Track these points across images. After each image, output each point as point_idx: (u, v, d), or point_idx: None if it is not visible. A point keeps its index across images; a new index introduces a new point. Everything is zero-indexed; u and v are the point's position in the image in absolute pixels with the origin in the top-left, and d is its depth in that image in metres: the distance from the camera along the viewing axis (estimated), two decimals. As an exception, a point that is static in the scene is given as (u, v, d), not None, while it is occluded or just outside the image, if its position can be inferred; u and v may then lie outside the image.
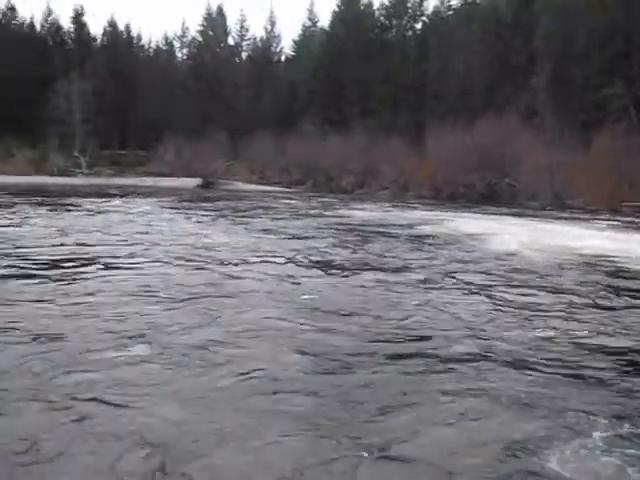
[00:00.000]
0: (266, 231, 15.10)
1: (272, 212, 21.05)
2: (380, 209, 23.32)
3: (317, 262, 10.57)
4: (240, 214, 20.04)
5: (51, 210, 19.72)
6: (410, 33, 50.84)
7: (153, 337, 5.83)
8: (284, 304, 7.28)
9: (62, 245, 11.72)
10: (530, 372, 5.11)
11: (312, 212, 21.61)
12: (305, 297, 7.71)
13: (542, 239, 14.13)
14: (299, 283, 8.64)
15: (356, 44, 48.58)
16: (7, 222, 15.83)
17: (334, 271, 9.72)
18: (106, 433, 3.84)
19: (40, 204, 22.03)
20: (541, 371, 5.13)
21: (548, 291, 8.47)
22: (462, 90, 40.88)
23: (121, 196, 27.23)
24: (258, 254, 11.19)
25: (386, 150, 33.98)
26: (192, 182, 36.60)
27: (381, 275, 9.41)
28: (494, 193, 28.90)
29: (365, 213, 21.55)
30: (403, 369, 5.15)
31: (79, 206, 21.60)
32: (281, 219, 18.57)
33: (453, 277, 9.39)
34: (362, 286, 8.55)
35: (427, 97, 43.89)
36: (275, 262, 10.40)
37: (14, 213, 18.20)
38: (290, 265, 10.16)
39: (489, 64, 40.32)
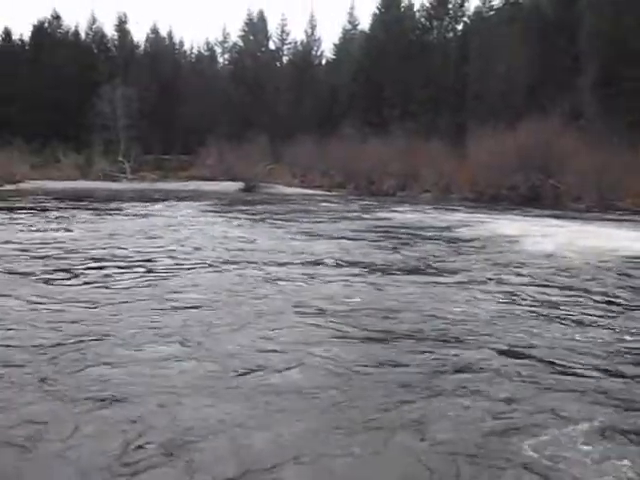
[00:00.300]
0: (307, 234, 15.15)
1: (313, 215, 21.08)
2: (420, 212, 23.17)
3: (357, 264, 10.60)
4: (281, 217, 20.11)
5: (97, 215, 20.07)
6: (451, 34, 50.54)
7: (188, 337, 5.97)
8: (325, 306, 7.33)
9: (108, 248, 11.93)
10: (567, 375, 5.07)
11: (352, 215, 21.62)
12: (347, 299, 7.76)
13: (583, 241, 13.92)
14: (340, 285, 8.72)
15: (396, 46, 48.45)
16: (56, 226, 16.18)
17: (372, 273, 9.77)
18: (120, 421, 4.07)
19: (86, 209, 22.51)
20: (582, 376, 5.08)
21: (584, 293, 8.40)
22: (504, 91, 40.45)
23: (164, 200, 27.58)
24: (299, 257, 11.27)
25: (427, 152, 33.79)
26: (234, 186, 36.91)
27: (418, 277, 9.44)
28: (538, 195, 28.55)
29: (404, 216, 21.44)
30: (433, 368, 5.18)
31: (123, 210, 21.99)
32: (322, 222, 18.59)
33: (488, 279, 9.36)
34: (398, 288, 8.61)
35: (468, 99, 43.52)
36: (316, 265, 10.47)
37: (63, 218, 18.59)
38: (331, 268, 10.23)
39: (531, 64, 39.83)
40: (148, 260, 10.66)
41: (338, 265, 10.43)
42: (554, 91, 36.50)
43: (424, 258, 11.39)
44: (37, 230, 15.25)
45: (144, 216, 19.94)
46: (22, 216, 19.01)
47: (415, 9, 52.30)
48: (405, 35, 49.78)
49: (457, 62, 46.02)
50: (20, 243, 12.44)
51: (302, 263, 10.58)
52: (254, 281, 8.86)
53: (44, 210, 21.53)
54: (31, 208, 22.33)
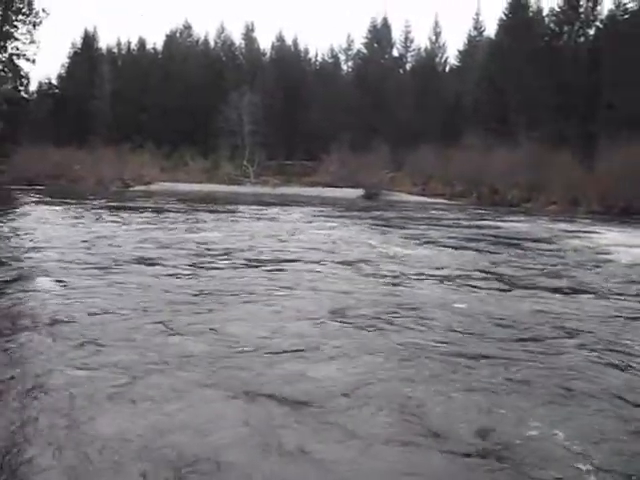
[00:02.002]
0: (421, 241, 15.38)
1: (431, 224, 21.01)
2: (538, 224, 22.41)
3: (470, 272, 10.74)
4: (399, 224, 20.33)
5: (227, 217, 21.08)
6: (582, 39, 48.73)
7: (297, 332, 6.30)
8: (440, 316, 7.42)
9: (247, 250, 12.63)
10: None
11: (468, 224, 21.51)
12: (456, 305, 7.91)
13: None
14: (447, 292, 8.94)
15: (524, 52, 47.21)
16: (191, 227, 17.04)
17: (474, 282, 9.82)
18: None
19: (214, 211, 23.65)
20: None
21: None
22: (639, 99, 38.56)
23: (287, 205, 28.28)
24: (412, 263, 11.54)
25: (555, 162, 32.69)
26: (355, 193, 37.21)
27: (521, 289, 9.41)
28: (674, 209, 27.03)
29: (516, 225, 21.14)
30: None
31: (250, 214, 22.82)
32: (438, 230, 18.55)
33: (576, 287, 9.35)
34: (492, 295, 8.68)
35: (600, 107, 41.78)
36: (433, 271, 10.65)
37: (194, 219, 19.58)
38: (445, 274, 10.38)
39: (670, 70, 37.76)
40: (264, 260, 11.32)
41: (448, 273, 10.55)
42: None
43: (532, 271, 11.22)
44: (174, 230, 16.12)
45: (271, 219, 20.73)
46: (159, 217, 20.20)
47: (544, 14, 50.81)
48: (533, 40, 48.41)
49: (588, 68, 44.30)
50: (162, 242, 13.19)
51: (417, 269, 10.78)
52: (372, 284, 9.20)
53: (175, 212, 22.66)
54: (164, 210, 23.53)
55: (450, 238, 16.29)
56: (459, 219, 23.77)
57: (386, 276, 9.97)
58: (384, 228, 18.87)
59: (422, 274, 10.30)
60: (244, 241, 14.07)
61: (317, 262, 11.12)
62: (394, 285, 9.21)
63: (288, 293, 8.35)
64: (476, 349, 5.95)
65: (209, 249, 12.46)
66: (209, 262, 10.83)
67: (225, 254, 11.84)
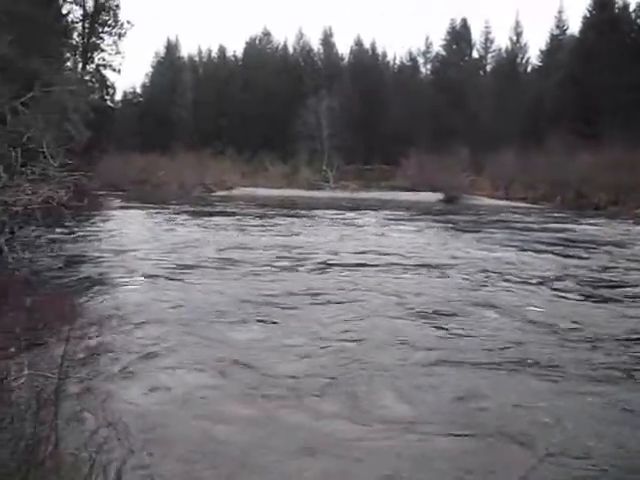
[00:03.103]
0: (501, 246, 15.40)
1: (511, 227, 20.80)
2: (619, 227, 21.81)
3: (544, 276, 10.86)
4: (477, 229, 20.20)
5: (301, 223, 21.28)
6: (672, 35, 46.83)
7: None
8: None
9: (305, 250, 13.05)
10: None
11: (549, 227, 21.21)
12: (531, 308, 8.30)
13: None
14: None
15: (609, 50, 45.72)
16: (281, 231, 17.29)
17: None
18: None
19: (291, 216, 24.01)
20: None
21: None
22: None
23: (368, 209, 28.28)
24: (491, 269, 11.57)
25: (644, 164, 31.49)
26: (434, 196, 36.88)
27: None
28: None
29: (601, 229, 20.68)
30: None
31: (324, 218, 23.06)
32: (518, 234, 18.36)
33: None
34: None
35: (692, 105, 40.04)
36: (506, 279, 10.66)
37: (273, 225, 19.83)
38: (520, 277, 10.58)
39: None
40: (362, 264, 11.68)
41: (524, 278, 10.64)
42: None
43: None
44: (255, 234, 16.46)
45: (350, 224, 21.03)
46: (242, 221, 20.74)
47: (631, 9, 49.01)
48: (619, 38, 46.80)
49: (680, 66, 42.55)
50: (246, 245, 13.48)
51: (498, 276, 10.81)
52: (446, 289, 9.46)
53: (257, 216, 23.12)
54: (246, 214, 24.00)
55: (529, 242, 16.27)
56: (541, 223, 23.33)
57: (466, 278, 10.06)
58: (463, 233, 18.72)
59: (501, 276, 10.33)
60: (324, 245, 14.21)
61: (398, 265, 11.21)
62: (472, 288, 9.33)
63: (368, 292, 8.57)
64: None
65: (290, 251, 12.66)
66: (291, 265, 11.03)
67: (306, 258, 12.01)
